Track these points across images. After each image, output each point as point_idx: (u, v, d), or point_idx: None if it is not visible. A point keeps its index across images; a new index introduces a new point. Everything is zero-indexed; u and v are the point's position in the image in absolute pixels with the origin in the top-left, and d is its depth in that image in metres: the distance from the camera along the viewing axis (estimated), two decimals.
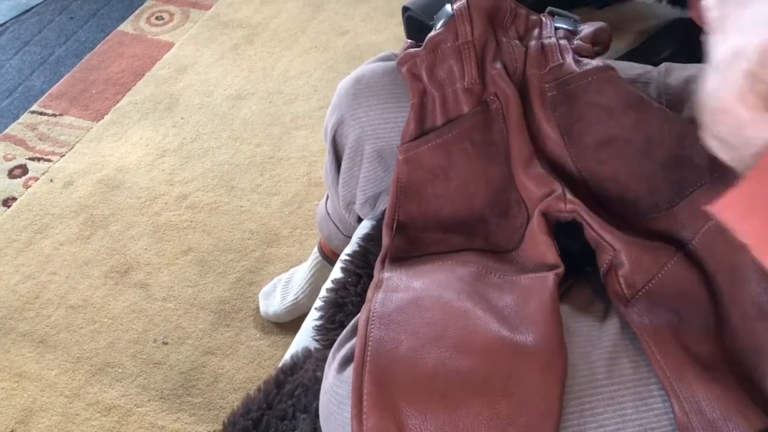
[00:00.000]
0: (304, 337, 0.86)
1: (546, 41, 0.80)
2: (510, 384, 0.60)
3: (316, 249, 1.32)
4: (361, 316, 0.67)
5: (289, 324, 1.35)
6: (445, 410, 0.58)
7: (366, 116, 0.85)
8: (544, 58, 0.78)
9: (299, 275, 1.36)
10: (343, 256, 0.91)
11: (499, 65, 0.79)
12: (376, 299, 0.68)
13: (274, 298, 1.36)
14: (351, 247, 0.91)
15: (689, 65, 0.86)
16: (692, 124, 0.75)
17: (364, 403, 0.60)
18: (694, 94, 0.82)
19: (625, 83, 0.76)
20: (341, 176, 0.94)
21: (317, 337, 0.83)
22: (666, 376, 0.61)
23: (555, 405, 0.59)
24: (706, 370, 0.61)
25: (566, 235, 0.73)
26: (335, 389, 0.64)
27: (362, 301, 0.79)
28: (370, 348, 0.63)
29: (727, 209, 0.51)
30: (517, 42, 0.80)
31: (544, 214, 0.71)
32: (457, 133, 0.78)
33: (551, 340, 0.61)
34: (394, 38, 1.93)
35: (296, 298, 1.32)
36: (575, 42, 0.81)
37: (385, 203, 0.89)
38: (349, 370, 0.63)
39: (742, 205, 0.50)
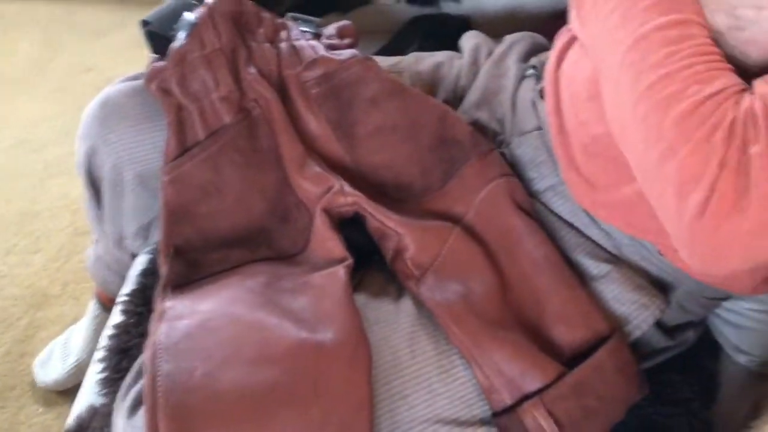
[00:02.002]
0: (88, 395, 0.77)
1: (296, 42, 0.79)
2: (318, 386, 0.58)
3: (92, 301, 1.20)
4: (145, 353, 0.61)
5: (74, 389, 1.20)
6: (256, 427, 0.55)
7: (119, 141, 0.78)
8: (298, 57, 0.77)
9: (78, 333, 1.22)
10: (120, 298, 0.83)
11: (253, 70, 0.76)
12: (160, 331, 0.62)
13: (52, 365, 1.22)
14: (128, 286, 0.84)
15: (436, 53, 0.90)
16: (449, 106, 0.79)
17: None
18: (444, 79, 0.87)
19: (385, 72, 0.78)
20: (105, 211, 0.85)
21: (103, 391, 0.75)
22: (465, 345, 0.63)
23: (365, 397, 0.58)
24: (498, 332, 0.64)
25: (350, 229, 0.72)
26: None
27: None
28: (160, 384, 0.57)
29: None
30: (268, 45, 0.79)
31: (326, 211, 0.70)
32: (221, 144, 0.75)
33: (351, 332, 0.60)
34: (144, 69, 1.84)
35: (78, 359, 1.19)
36: (324, 40, 0.81)
37: (158, 232, 0.83)
38: (141, 413, 0.56)
39: None
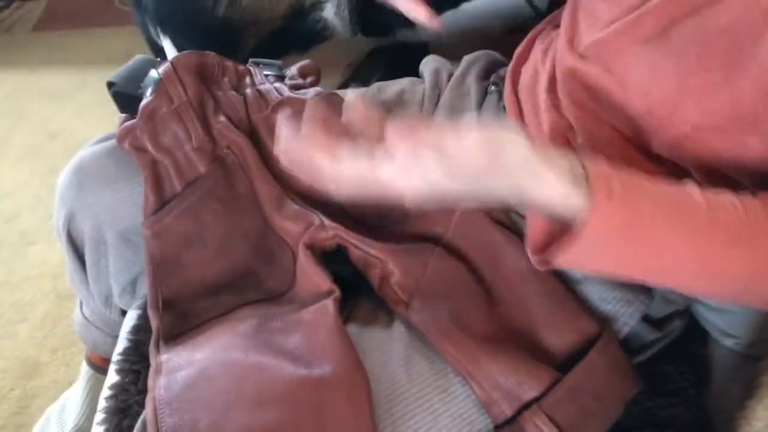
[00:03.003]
0: None
1: (261, 87, 0.81)
2: (322, 421, 0.58)
3: (84, 364, 1.19)
4: (147, 409, 0.61)
5: None
6: None
7: (98, 202, 0.79)
8: (264, 101, 0.79)
9: (73, 398, 1.21)
10: (114, 357, 0.83)
11: (223, 118, 0.78)
12: (159, 385, 0.62)
13: None
14: (121, 345, 0.84)
15: (399, 80, 0.92)
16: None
17: None
18: (409, 104, 0.89)
19: None
20: (89, 272, 0.86)
21: None
22: (459, 363, 0.64)
23: (368, 427, 0.59)
24: (491, 346, 0.65)
25: (335, 261, 0.73)
26: None
27: None
28: None
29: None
30: (234, 92, 0.80)
31: (309, 247, 0.71)
32: (200, 194, 0.76)
33: (348, 363, 0.61)
34: (113, 128, 1.85)
35: (76, 424, 1.17)
36: (287, 81, 0.83)
37: (145, 286, 0.83)
38: None
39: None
